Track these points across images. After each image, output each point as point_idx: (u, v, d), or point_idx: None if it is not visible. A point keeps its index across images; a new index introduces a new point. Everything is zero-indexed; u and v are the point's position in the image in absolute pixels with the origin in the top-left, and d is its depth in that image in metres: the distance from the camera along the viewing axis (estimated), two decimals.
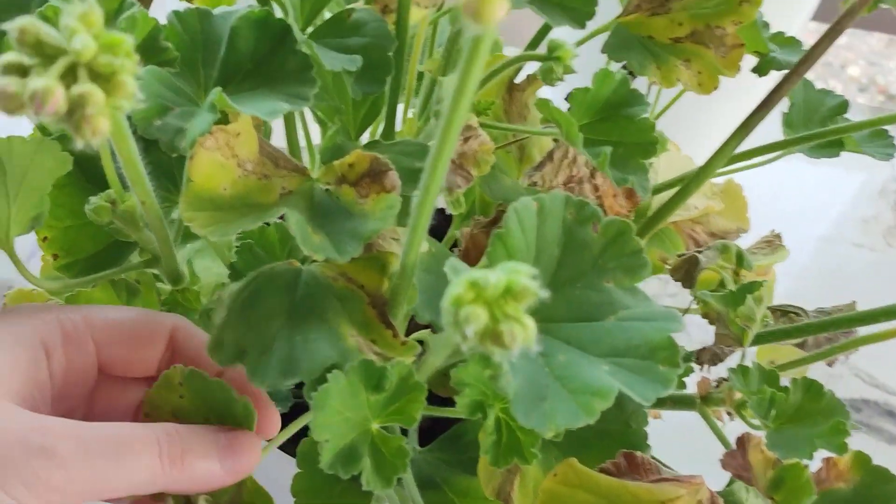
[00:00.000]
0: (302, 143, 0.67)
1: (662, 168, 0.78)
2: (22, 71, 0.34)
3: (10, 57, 0.34)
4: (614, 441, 0.62)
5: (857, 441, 0.56)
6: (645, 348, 0.47)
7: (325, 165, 0.54)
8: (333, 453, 0.47)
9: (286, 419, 0.56)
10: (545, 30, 0.69)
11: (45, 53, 0.34)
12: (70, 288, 0.57)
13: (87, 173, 0.59)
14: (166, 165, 0.60)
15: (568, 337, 0.49)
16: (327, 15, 0.61)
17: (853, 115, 0.73)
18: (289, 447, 0.63)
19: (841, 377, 1.24)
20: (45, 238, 0.57)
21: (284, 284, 0.52)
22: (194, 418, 0.52)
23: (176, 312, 0.60)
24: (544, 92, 0.69)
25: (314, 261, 0.54)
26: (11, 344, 0.47)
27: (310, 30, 0.59)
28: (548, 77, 0.59)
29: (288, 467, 0.60)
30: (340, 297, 0.52)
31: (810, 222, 1.53)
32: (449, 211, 0.59)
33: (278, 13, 0.57)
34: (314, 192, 0.53)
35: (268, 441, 0.53)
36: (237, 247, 0.62)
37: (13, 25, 0.34)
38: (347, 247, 0.49)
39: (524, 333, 0.36)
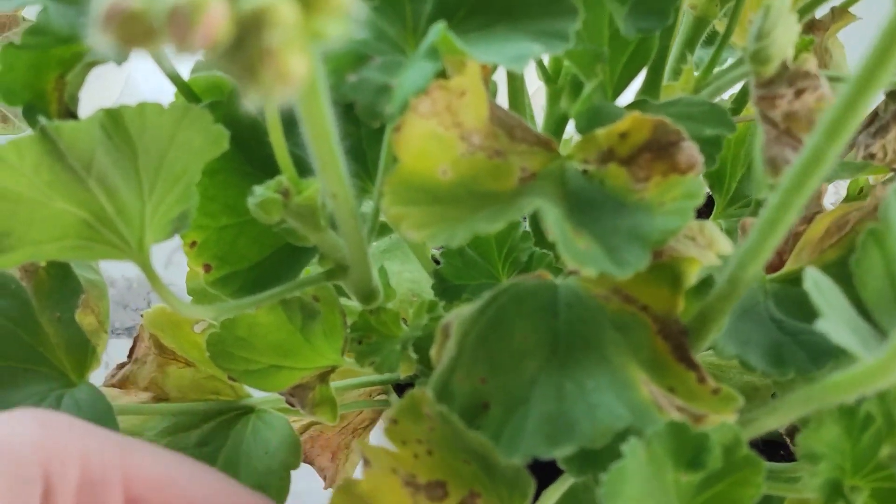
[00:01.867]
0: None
1: None
2: None
3: None
4: None
5: None
6: None
7: (584, 137, 0.38)
8: None
9: None
10: None
11: None
12: (226, 312, 0.43)
13: (249, 154, 0.45)
14: (353, 141, 0.46)
15: None
16: None
17: None
18: None
19: None
20: (194, 243, 0.44)
21: (540, 308, 0.37)
22: None
23: (369, 340, 0.46)
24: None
25: (570, 272, 0.39)
26: None
27: None
28: None
29: None
30: (618, 326, 0.37)
31: None
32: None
33: None
34: (567, 175, 0.38)
35: None
36: (442, 247, 0.48)
37: None
38: (627, 255, 0.34)
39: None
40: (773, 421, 0.34)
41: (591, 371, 0.35)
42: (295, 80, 0.22)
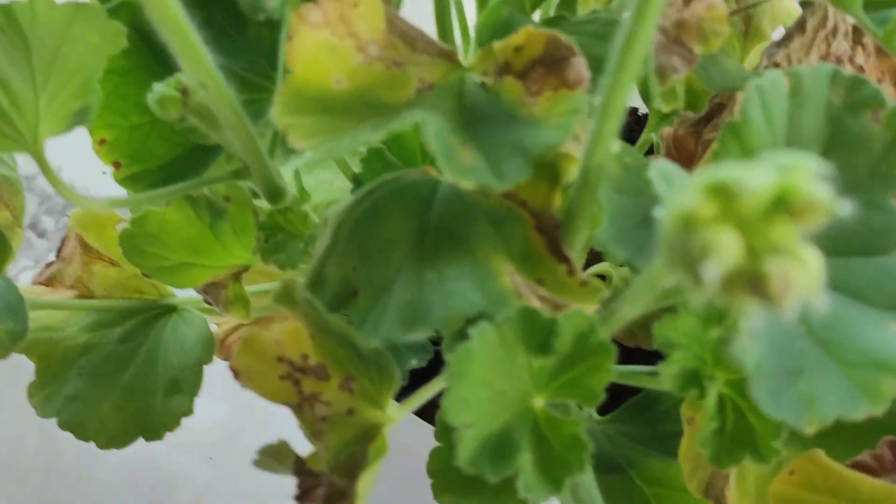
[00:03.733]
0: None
1: None
2: None
3: None
4: (877, 423, 0.47)
5: None
6: None
7: (482, 49, 0.40)
8: (477, 444, 0.34)
9: (424, 376, 0.44)
10: None
11: None
12: (135, 206, 0.45)
13: (160, 54, 0.47)
14: (268, 43, 0.48)
15: (833, 279, 0.34)
16: None
17: None
18: (427, 412, 0.52)
19: None
20: (103, 140, 0.46)
21: (415, 200, 0.39)
22: None
23: (277, 239, 0.48)
24: None
25: None
26: None
27: None
28: None
29: (425, 437, 0.47)
30: (493, 220, 0.38)
31: None
32: (644, 110, 0.45)
33: None
34: (465, 87, 0.40)
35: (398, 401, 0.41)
36: (365, 153, 0.49)
37: None
38: (508, 167, 0.36)
39: (806, 278, 0.22)
40: (630, 310, 0.35)
41: (453, 261, 0.36)
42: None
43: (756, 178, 0.21)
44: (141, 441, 0.53)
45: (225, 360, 0.55)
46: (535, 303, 0.37)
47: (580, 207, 0.37)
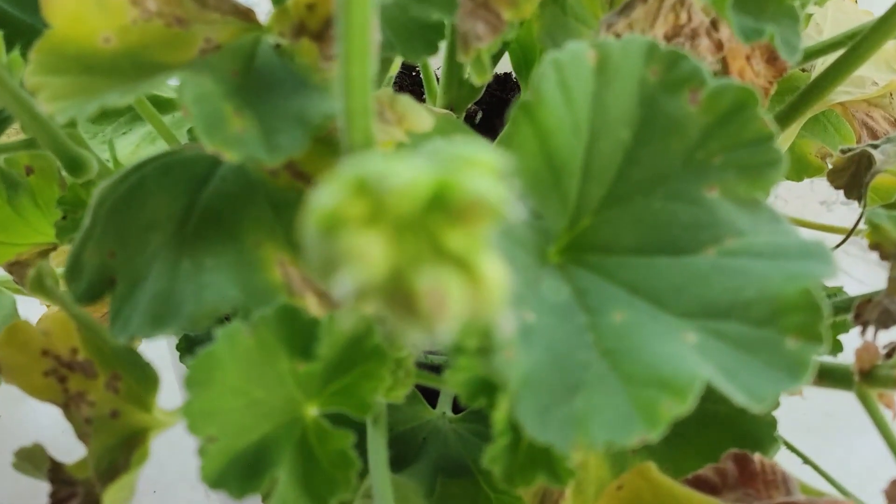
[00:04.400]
0: None
1: (829, 21, 0.57)
2: None
3: None
4: (723, 431, 0.43)
5: None
6: (764, 307, 0.29)
7: (278, 6, 0.36)
8: (225, 459, 0.30)
9: None
10: None
11: None
12: None
13: None
14: None
15: (633, 280, 0.31)
16: None
17: None
18: None
19: None
20: None
21: (187, 179, 0.35)
22: None
23: (77, 216, 0.44)
24: None
25: None
26: None
27: None
28: None
29: None
30: (276, 203, 0.34)
31: None
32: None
33: None
34: (259, 49, 0.36)
35: None
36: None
37: None
38: (283, 138, 0.32)
39: (478, 294, 0.18)
40: None
41: (214, 249, 0.33)
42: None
43: (405, 173, 0.17)
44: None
45: None
46: (311, 298, 0.33)
47: None
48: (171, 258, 0.33)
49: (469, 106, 0.54)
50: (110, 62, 0.34)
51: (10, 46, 0.40)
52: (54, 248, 0.46)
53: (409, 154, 0.18)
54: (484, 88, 0.54)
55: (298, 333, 0.31)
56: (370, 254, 0.18)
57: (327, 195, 0.18)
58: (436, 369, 0.52)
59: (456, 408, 0.53)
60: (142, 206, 0.34)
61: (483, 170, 0.18)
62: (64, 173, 0.46)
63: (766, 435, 0.43)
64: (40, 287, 0.34)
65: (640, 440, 0.27)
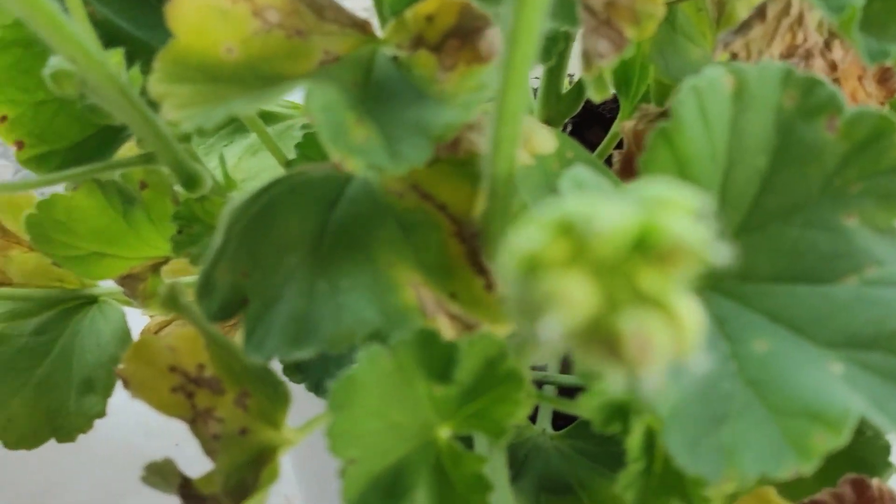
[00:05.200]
0: None
1: None
2: None
3: None
4: (837, 455, 0.43)
5: None
6: None
7: (396, 19, 0.36)
8: (365, 481, 0.31)
9: None
10: None
11: None
12: (40, 187, 0.42)
13: None
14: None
15: (773, 308, 0.31)
16: None
17: None
18: None
19: None
20: (4, 118, 0.42)
21: (317, 199, 0.35)
22: None
23: (192, 230, 0.45)
24: None
25: None
26: None
27: None
28: None
29: None
30: (405, 224, 0.35)
31: None
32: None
33: None
34: (376, 61, 0.36)
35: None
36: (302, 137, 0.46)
37: None
38: (407, 148, 0.32)
39: (676, 336, 0.18)
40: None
41: (349, 270, 0.33)
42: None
43: (609, 215, 0.18)
44: (110, 424, 0.50)
45: None
46: (443, 320, 0.33)
47: (493, 217, 0.33)
48: (306, 279, 0.33)
49: None
50: (232, 72, 0.34)
51: (129, 64, 0.41)
52: (165, 261, 0.47)
53: (607, 195, 0.19)
54: (582, 103, 0.54)
55: (436, 357, 0.31)
56: (575, 297, 0.18)
57: (528, 236, 0.19)
58: (538, 385, 0.52)
59: (556, 424, 0.53)
60: (273, 226, 0.34)
61: (682, 211, 0.18)
62: (176, 188, 0.47)
63: (880, 460, 0.43)
64: (174, 304, 0.35)
65: (793, 473, 0.27)
